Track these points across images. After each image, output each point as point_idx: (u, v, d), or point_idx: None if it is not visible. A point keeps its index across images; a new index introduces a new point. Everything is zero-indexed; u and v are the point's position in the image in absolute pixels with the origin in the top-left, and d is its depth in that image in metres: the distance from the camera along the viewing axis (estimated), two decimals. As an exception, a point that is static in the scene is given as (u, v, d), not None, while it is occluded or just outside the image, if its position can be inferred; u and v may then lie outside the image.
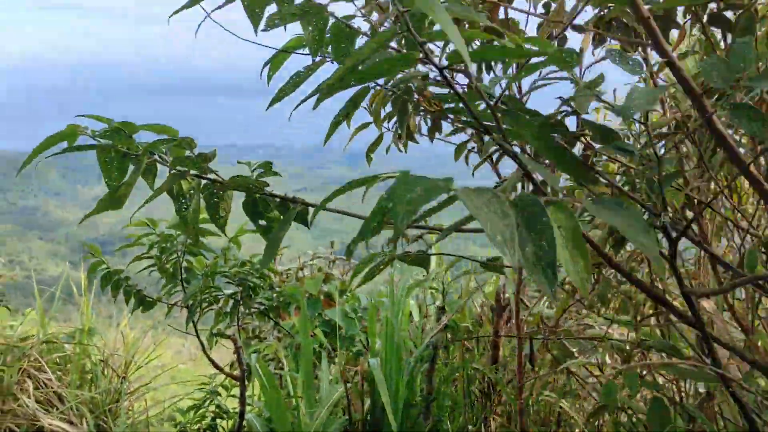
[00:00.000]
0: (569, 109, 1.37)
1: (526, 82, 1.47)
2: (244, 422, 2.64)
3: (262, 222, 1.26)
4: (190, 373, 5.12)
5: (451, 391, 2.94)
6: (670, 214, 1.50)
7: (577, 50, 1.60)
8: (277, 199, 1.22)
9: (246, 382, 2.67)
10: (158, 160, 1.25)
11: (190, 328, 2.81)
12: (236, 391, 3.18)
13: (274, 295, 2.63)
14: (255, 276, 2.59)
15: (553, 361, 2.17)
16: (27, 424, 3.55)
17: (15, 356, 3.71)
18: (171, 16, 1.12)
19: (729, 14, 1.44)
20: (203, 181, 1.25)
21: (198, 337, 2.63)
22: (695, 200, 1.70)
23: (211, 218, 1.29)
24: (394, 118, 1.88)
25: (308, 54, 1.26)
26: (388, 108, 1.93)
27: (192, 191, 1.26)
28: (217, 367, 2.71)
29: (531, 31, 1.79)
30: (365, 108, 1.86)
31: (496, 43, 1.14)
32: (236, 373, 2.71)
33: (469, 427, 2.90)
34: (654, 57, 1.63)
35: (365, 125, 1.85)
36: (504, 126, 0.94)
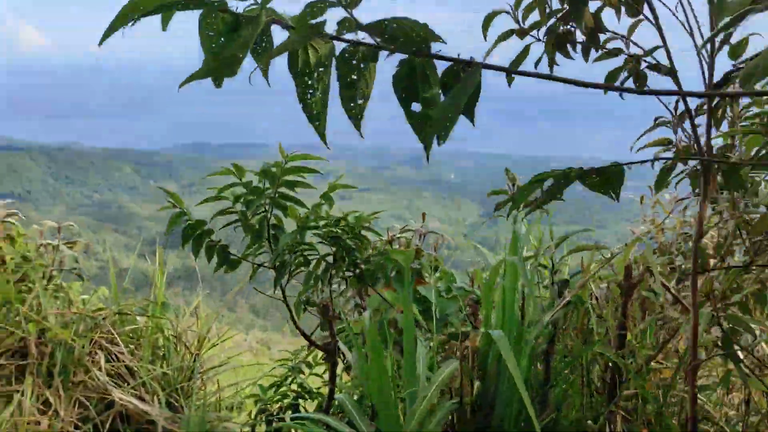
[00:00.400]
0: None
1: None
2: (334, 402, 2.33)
3: (416, 106, 0.93)
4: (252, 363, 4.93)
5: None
6: None
7: None
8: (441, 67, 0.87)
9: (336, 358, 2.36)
10: (275, 21, 0.93)
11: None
12: (319, 369, 2.89)
13: (372, 258, 2.30)
14: (349, 236, 2.27)
15: (722, 339, 1.76)
16: (97, 398, 3.39)
17: (87, 326, 3.56)
18: None
19: None
20: (339, 48, 0.92)
21: (285, 302, 2.33)
22: None
23: (345, 104, 0.96)
24: (543, 28, 1.52)
25: None
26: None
27: (322, 68, 0.94)
28: (307, 338, 2.41)
29: None
30: (509, 13, 1.51)
31: None
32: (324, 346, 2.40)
33: (589, 422, 2.50)
34: None
35: (509, 33, 1.50)
36: None
